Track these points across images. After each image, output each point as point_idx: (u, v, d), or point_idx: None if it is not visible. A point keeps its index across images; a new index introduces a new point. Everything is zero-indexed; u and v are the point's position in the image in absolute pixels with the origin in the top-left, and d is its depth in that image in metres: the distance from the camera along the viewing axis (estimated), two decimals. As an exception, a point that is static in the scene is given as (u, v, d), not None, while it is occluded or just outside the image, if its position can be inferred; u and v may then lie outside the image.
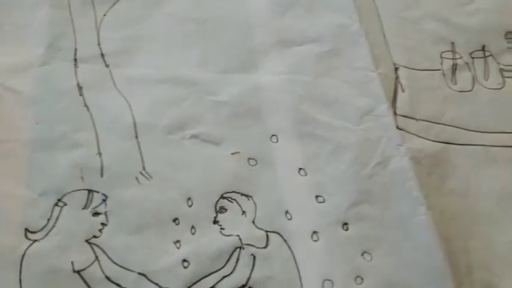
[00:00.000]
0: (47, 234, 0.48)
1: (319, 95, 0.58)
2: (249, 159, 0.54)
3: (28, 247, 0.48)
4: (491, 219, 0.54)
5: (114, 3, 0.61)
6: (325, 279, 0.49)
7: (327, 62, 0.60)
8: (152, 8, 0.62)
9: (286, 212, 0.52)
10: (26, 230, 0.48)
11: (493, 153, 0.58)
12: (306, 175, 0.54)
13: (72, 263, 0.47)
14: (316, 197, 0.53)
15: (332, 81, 0.59)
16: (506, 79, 0.63)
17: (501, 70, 0.63)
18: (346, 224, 0.51)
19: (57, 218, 0.49)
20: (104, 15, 0.60)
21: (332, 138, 0.55)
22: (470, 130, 0.59)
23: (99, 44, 0.58)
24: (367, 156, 0.55)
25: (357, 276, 0.49)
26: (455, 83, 0.62)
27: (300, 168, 0.54)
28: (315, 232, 0.51)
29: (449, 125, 0.59)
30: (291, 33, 0.62)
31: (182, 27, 0.61)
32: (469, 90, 0.62)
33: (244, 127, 0.56)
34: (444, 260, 0.50)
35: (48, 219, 0.49)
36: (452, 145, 0.58)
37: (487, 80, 0.62)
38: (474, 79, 0.62)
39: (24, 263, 0.47)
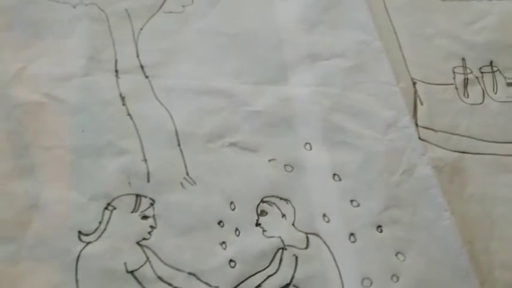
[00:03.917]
0: (99, 237, 0.50)
1: (347, 107, 0.61)
2: (285, 165, 0.57)
3: (82, 249, 0.49)
4: (508, 222, 0.58)
5: (150, 18, 0.63)
6: (364, 278, 0.52)
7: (353, 76, 0.63)
8: (184, 22, 0.64)
9: (324, 215, 0.54)
10: (79, 232, 0.50)
11: (504, 162, 0.61)
12: (340, 180, 0.57)
13: (125, 263, 0.49)
14: (351, 201, 0.55)
15: (358, 94, 0.62)
16: None
17: (509, 84, 0.67)
18: (380, 226, 0.54)
19: (108, 221, 0.51)
20: (141, 28, 0.62)
21: (362, 146, 0.59)
22: (482, 140, 0.63)
23: (137, 56, 0.60)
24: (394, 165, 0.58)
25: (393, 275, 0.52)
26: (468, 96, 0.66)
27: (334, 174, 0.57)
28: (351, 234, 0.54)
29: (464, 136, 0.63)
30: (318, 48, 0.65)
31: (215, 41, 0.63)
32: (480, 103, 0.66)
33: (278, 135, 0.58)
34: (468, 261, 0.53)
35: (100, 222, 0.51)
36: (468, 154, 0.61)
37: (496, 93, 0.67)
38: (484, 92, 0.66)
39: (79, 264, 0.49)
